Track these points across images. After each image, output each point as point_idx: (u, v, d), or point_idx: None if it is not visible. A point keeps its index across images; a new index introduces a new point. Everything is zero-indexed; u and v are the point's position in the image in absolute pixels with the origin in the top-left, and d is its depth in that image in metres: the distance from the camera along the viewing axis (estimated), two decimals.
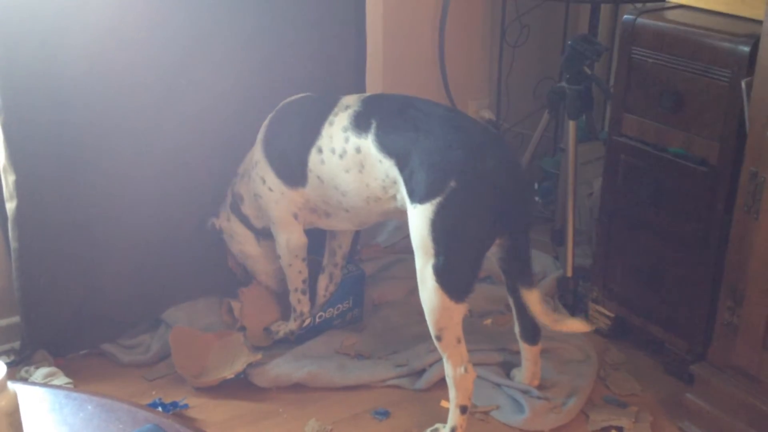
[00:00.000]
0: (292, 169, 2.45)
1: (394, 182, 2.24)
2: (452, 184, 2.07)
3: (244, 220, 2.65)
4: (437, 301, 2.12)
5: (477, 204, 2.11)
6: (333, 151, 2.35)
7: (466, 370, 2.18)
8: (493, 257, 2.27)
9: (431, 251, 2.10)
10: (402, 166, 2.19)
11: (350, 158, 2.32)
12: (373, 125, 2.28)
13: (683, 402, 2.32)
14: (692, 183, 2.35)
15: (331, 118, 2.38)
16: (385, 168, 2.24)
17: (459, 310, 2.14)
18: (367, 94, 2.45)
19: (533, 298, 2.24)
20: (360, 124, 2.31)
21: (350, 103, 2.39)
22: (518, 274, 2.24)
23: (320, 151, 2.38)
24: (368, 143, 2.27)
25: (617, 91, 2.52)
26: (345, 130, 2.33)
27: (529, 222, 2.29)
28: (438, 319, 2.14)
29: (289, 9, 2.68)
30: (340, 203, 2.42)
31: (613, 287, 2.68)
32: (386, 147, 2.24)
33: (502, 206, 2.13)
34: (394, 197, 2.29)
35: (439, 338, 2.17)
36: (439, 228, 2.09)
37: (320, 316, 2.72)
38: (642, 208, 2.51)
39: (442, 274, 2.10)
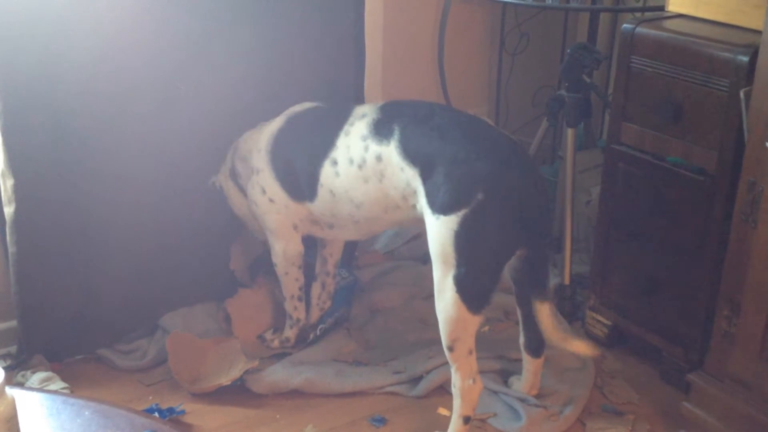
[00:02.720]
0: (301, 184, 2.42)
1: (415, 191, 2.20)
2: (479, 196, 2.04)
3: (240, 188, 2.62)
4: (455, 312, 2.10)
5: (503, 216, 2.08)
6: (351, 161, 2.29)
7: (474, 381, 2.18)
8: (506, 267, 2.24)
9: (453, 262, 2.07)
10: (426, 176, 2.14)
11: (370, 167, 2.26)
12: (396, 132, 2.22)
13: (680, 411, 2.32)
14: (690, 192, 2.35)
15: (346, 128, 2.33)
16: (407, 176, 2.20)
17: (475, 322, 2.13)
18: (382, 102, 2.38)
19: (545, 311, 2.21)
20: (380, 131, 2.26)
21: (366, 111, 2.34)
22: (534, 285, 2.22)
23: (335, 163, 2.33)
24: (390, 150, 2.22)
25: (616, 100, 2.53)
26: (364, 138, 2.28)
27: (550, 234, 2.27)
28: (453, 330, 2.13)
29: (288, 15, 2.68)
30: (351, 215, 2.38)
31: (610, 295, 2.68)
32: (410, 155, 2.19)
33: (526, 218, 2.10)
34: (414, 206, 2.24)
35: (451, 349, 2.15)
36: (464, 239, 2.06)
37: (321, 329, 2.72)
38: (640, 217, 2.52)
39: (462, 285, 2.08)
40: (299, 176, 2.42)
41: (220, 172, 2.67)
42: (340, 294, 2.80)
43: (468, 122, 2.23)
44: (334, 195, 2.36)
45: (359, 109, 2.37)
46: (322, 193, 2.38)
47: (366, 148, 2.27)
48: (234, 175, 2.62)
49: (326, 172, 2.35)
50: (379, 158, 2.25)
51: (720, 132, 2.25)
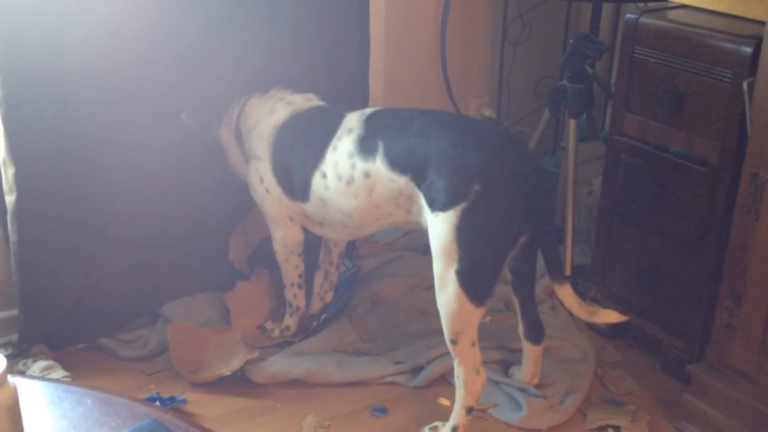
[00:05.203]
0: (295, 186, 2.42)
1: (409, 197, 2.19)
2: (476, 187, 2.03)
3: (242, 151, 2.57)
4: (458, 306, 2.09)
5: (503, 206, 2.07)
6: (339, 178, 2.29)
7: (478, 373, 2.17)
8: None
9: (455, 256, 2.06)
10: (419, 180, 2.14)
11: (359, 184, 2.26)
12: (380, 146, 2.21)
13: (680, 402, 2.32)
14: (693, 183, 2.35)
15: (334, 142, 2.31)
16: (399, 186, 2.19)
17: (478, 314, 2.12)
18: (368, 111, 2.35)
19: (567, 293, 2.22)
20: (366, 147, 2.25)
21: (352, 125, 2.31)
22: (550, 271, 2.21)
23: (324, 176, 2.32)
24: (377, 166, 2.22)
25: (618, 91, 2.52)
26: (351, 156, 2.27)
27: (553, 218, 2.25)
28: (456, 323, 2.12)
29: (292, 9, 2.67)
30: (342, 222, 2.39)
31: (611, 286, 2.68)
32: (398, 165, 2.18)
33: (526, 205, 2.09)
34: (408, 210, 2.23)
35: (454, 342, 2.14)
36: (465, 233, 2.05)
37: (324, 318, 2.72)
38: (642, 208, 2.51)
39: (465, 278, 2.07)
40: (294, 178, 2.42)
41: (222, 125, 2.57)
42: (344, 284, 2.80)
43: (451, 118, 2.22)
44: (325, 203, 2.37)
45: (347, 122, 2.34)
46: (314, 198, 2.39)
47: (353, 166, 2.26)
48: (238, 137, 2.57)
49: (317, 182, 2.35)
50: (367, 175, 2.24)
51: (723, 123, 2.24)
